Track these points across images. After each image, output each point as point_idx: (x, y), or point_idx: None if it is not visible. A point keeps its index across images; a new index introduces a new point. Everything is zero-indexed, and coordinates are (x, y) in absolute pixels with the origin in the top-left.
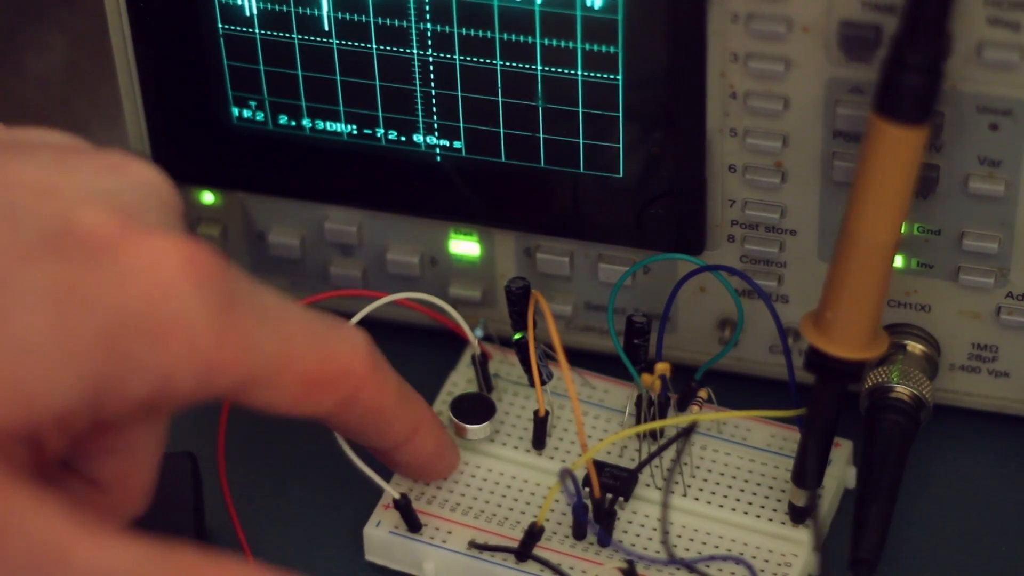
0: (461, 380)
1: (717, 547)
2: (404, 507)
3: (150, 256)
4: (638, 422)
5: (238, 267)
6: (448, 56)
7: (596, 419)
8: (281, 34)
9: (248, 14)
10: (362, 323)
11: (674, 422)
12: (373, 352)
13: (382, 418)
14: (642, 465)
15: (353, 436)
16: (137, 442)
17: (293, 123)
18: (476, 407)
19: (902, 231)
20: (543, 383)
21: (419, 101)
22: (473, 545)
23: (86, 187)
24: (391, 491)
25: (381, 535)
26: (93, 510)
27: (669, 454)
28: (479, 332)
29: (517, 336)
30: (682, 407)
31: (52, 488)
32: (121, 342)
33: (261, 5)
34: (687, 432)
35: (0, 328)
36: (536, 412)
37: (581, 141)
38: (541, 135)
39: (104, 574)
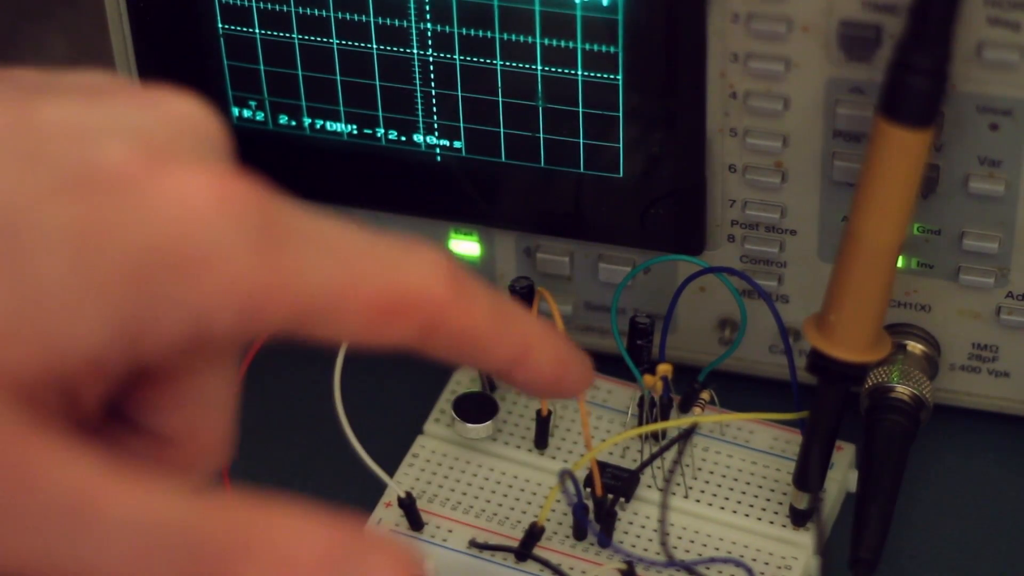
0: (465, 379)
1: (718, 549)
2: (407, 505)
3: (177, 189)
4: (641, 423)
5: (284, 195)
6: (448, 56)
7: (599, 419)
8: (281, 34)
9: (248, 14)
10: None
11: (676, 424)
12: (455, 272)
13: (477, 343)
14: (643, 466)
15: (454, 363)
16: (204, 393)
17: (293, 123)
18: (478, 406)
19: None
20: None
21: (419, 101)
22: (473, 544)
23: (113, 124)
24: (396, 488)
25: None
26: (159, 466)
27: (671, 455)
28: None
29: None
30: (685, 408)
31: (90, 439)
32: (149, 279)
33: (261, 5)
34: (687, 434)
35: (19, 272)
36: (539, 412)
37: (581, 141)
38: (541, 135)
39: (140, 527)
